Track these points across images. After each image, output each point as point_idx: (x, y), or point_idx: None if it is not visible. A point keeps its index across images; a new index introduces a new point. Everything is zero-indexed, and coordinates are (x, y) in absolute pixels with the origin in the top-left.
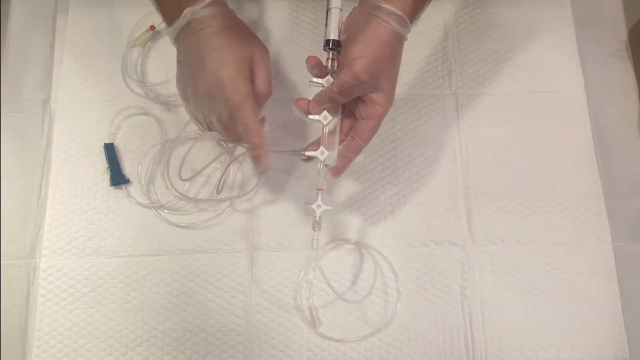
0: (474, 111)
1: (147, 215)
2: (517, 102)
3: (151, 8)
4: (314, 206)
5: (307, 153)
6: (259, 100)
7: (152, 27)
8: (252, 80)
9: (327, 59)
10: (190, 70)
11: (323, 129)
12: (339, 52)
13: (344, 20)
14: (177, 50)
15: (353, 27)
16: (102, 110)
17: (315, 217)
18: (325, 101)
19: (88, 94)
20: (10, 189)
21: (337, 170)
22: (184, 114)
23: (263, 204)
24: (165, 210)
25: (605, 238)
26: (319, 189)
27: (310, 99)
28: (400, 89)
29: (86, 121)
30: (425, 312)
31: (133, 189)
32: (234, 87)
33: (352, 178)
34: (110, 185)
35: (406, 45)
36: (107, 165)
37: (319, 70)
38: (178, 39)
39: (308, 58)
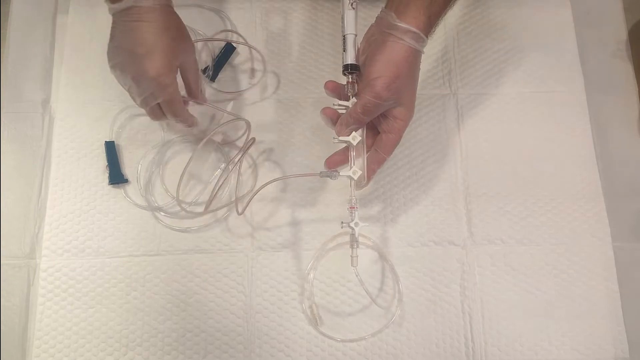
0: (474, 111)
1: (147, 215)
2: (517, 102)
3: None
4: (352, 224)
5: (342, 173)
6: (193, 95)
7: None
8: (183, 75)
9: (347, 82)
10: (124, 53)
11: (351, 149)
12: (357, 75)
13: (363, 37)
14: (112, 22)
15: (371, 45)
16: (102, 110)
17: (354, 234)
18: (351, 122)
19: (88, 94)
20: (10, 189)
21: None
22: None
23: (263, 203)
24: (162, 213)
25: (605, 238)
26: (352, 208)
27: (330, 108)
28: None
29: (86, 121)
30: (425, 312)
31: (133, 189)
32: (164, 85)
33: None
34: (109, 184)
35: None
36: (106, 164)
37: (337, 94)
38: (116, 15)
39: (326, 83)
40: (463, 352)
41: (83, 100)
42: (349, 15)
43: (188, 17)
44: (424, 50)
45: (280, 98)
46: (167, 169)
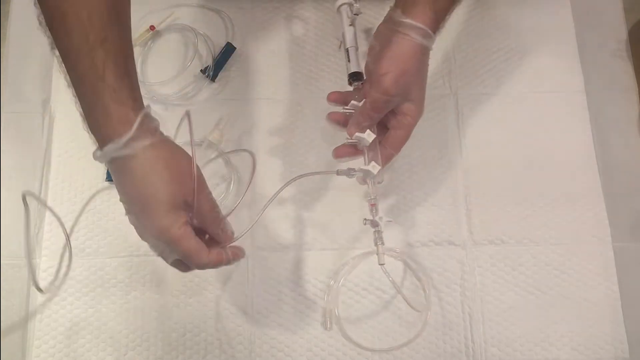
0: (474, 111)
1: None
2: (517, 102)
3: (151, 8)
4: (377, 218)
5: (362, 167)
6: (211, 218)
7: (152, 27)
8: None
9: (355, 88)
10: (127, 205)
11: (365, 147)
12: (363, 83)
13: (372, 36)
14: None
15: (379, 44)
16: None
17: (379, 231)
18: (362, 121)
19: None
20: (10, 189)
21: (364, 180)
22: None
23: (262, 204)
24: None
25: (605, 238)
26: (373, 205)
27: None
28: None
29: None
30: (425, 312)
31: None
32: (174, 240)
33: (352, 178)
34: (105, 180)
35: None
36: None
37: (340, 104)
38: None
39: (329, 95)
40: (463, 352)
41: None
42: (349, 31)
43: (189, 17)
44: (432, 46)
45: (280, 98)
46: None
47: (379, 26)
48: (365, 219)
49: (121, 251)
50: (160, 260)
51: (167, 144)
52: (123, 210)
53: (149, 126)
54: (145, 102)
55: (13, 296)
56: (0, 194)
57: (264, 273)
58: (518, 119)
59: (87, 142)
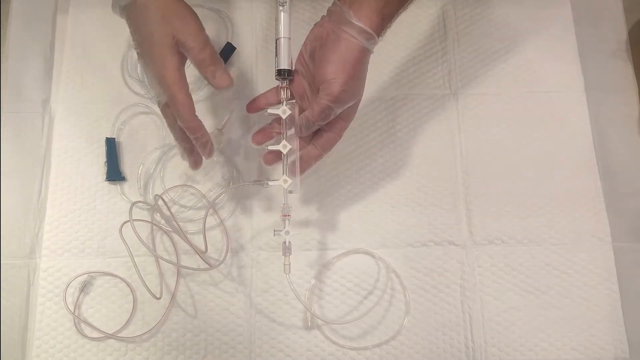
0: (474, 111)
1: (146, 215)
2: (517, 102)
3: None
4: (282, 233)
5: (271, 183)
6: (200, 58)
7: None
8: (189, 56)
9: (279, 87)
10: (137, 50)
11: (284, 157)
12: (290, 81)
13: (312, 28)
14: None
15: (322, 40)
16: (102, 110)
17: (284, 242)
18: (310, 127)
19: (88, 93)
20: (10, 189)
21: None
22: None
23: (262, 204)
24: (158, 215)
25: (605, 238)
26: (285, 216)
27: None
28: (400, 89)
29: (86, 121)
30: (425, 312)
31: (134, 189)
32: (165, 78)
33: (352, 178)
34: (106, 180)
35: (405, 45)
36: (104, 160)
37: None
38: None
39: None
40: (463, 352)
41: (83, 100)
42: (283, 18)
43: None
44: (374, 50)
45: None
46: (168, 169)
47: (322, 20)
48: (275, 230)
49: (121, 251)
50: (160, 261)
51: None
52: (123, 210)
53: None
54: (146, 103)
55: (13, 296)
56: (0, 194)
57: (264, 273)
58: (518, 119)
59: (87, 142)
